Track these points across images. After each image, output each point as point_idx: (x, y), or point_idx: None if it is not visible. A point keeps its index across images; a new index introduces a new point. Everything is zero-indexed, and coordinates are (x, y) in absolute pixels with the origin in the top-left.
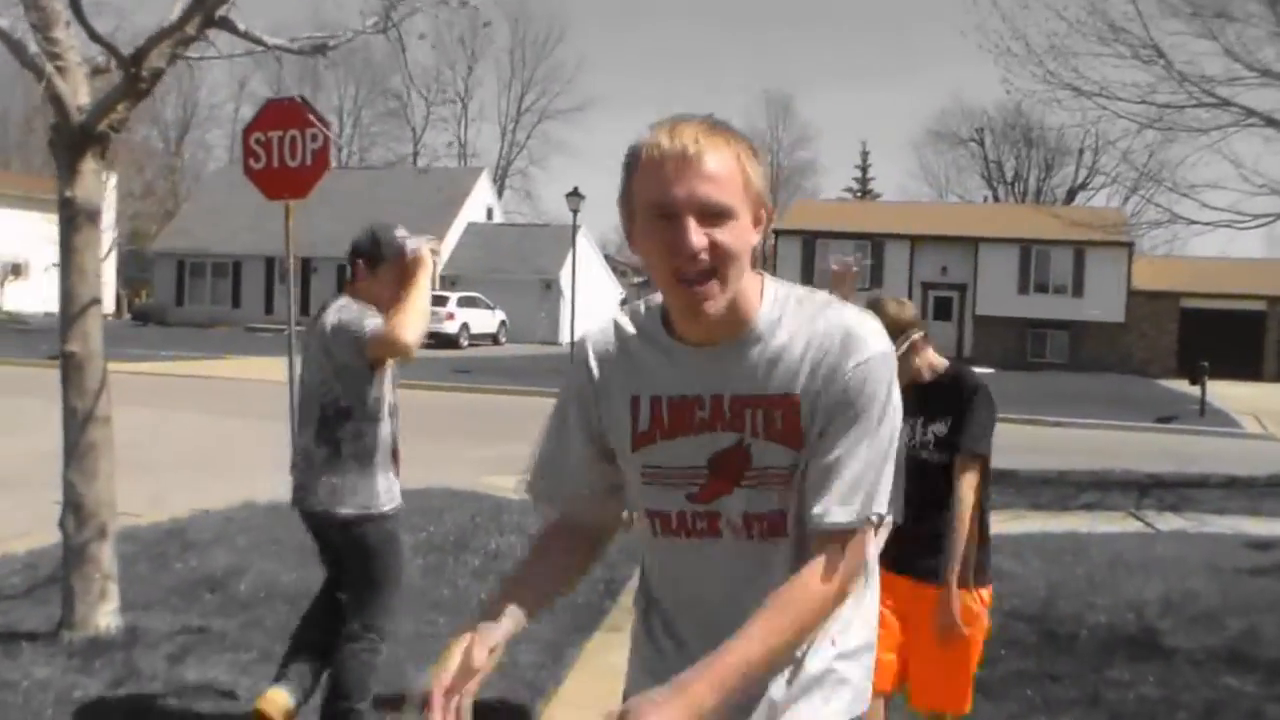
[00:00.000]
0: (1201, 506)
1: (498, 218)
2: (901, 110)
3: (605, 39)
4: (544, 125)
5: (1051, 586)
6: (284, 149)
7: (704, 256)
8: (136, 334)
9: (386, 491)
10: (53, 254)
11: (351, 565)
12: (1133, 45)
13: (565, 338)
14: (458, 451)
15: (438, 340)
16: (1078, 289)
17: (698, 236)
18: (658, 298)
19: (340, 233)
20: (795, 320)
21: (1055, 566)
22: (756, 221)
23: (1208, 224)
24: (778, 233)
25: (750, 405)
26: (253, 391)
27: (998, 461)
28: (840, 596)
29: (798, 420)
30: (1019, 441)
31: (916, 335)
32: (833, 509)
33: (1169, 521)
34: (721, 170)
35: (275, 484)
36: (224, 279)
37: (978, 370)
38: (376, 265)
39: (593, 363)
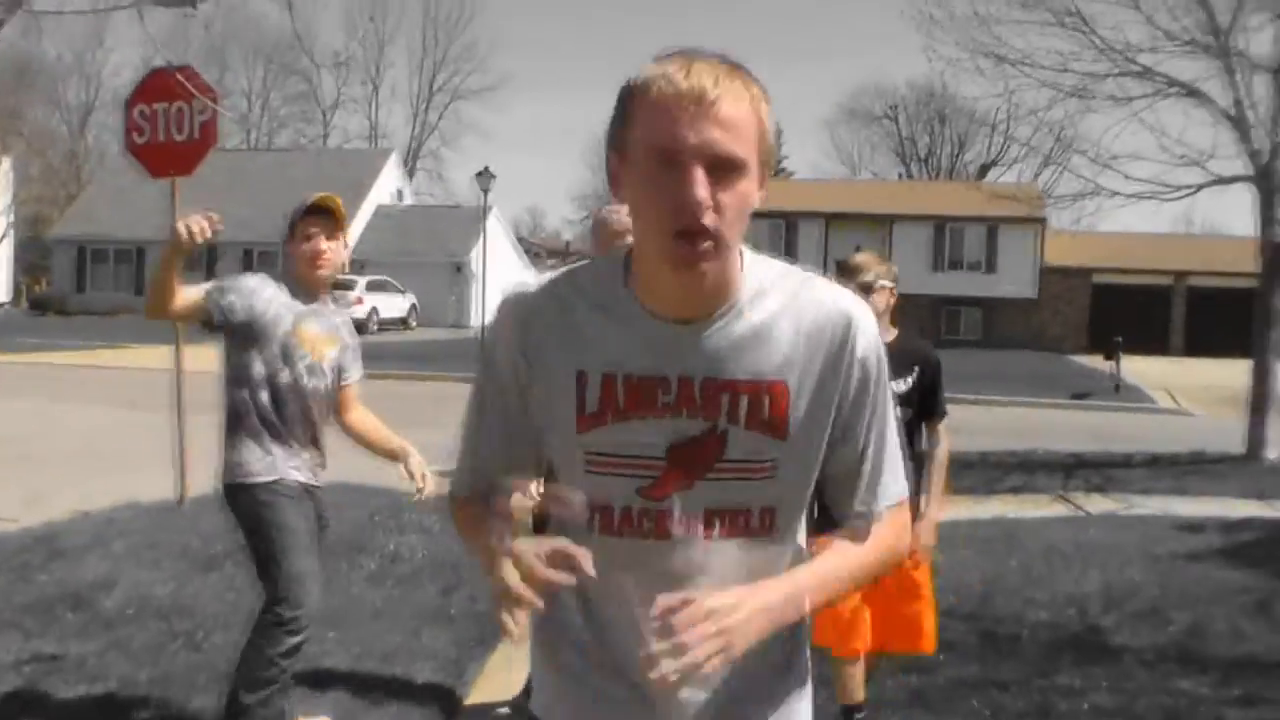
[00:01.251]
0: (1128, 487)
1: (408, 200)
2: (813, 89)
3: (519, 17)
4: (456, 105)
5: (987, 581)
6: (169, 122)
7: (709, 213)
8: (34, 323)
9: (259, 461)
10: None
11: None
12: (1056, 11)
13: (475, 321)
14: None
15: None
16: (990, 266)
17: (704, 189)
18: (603, 264)
19: (247, 217)
20: (780, 296)
21: (988, 558)
22: (761, 181)
23: (1131, 195)
24: None
25: (728, 390)
26: (154, 382)
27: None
28: (893, 564)
29: (785, 408)
30: None
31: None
32: (880, 496)
33: (1097, 504)
34: (739, 117)
35: (165, 480)
36: (127, 265)
37: None
38: (291, 232)
39: (519, 329)
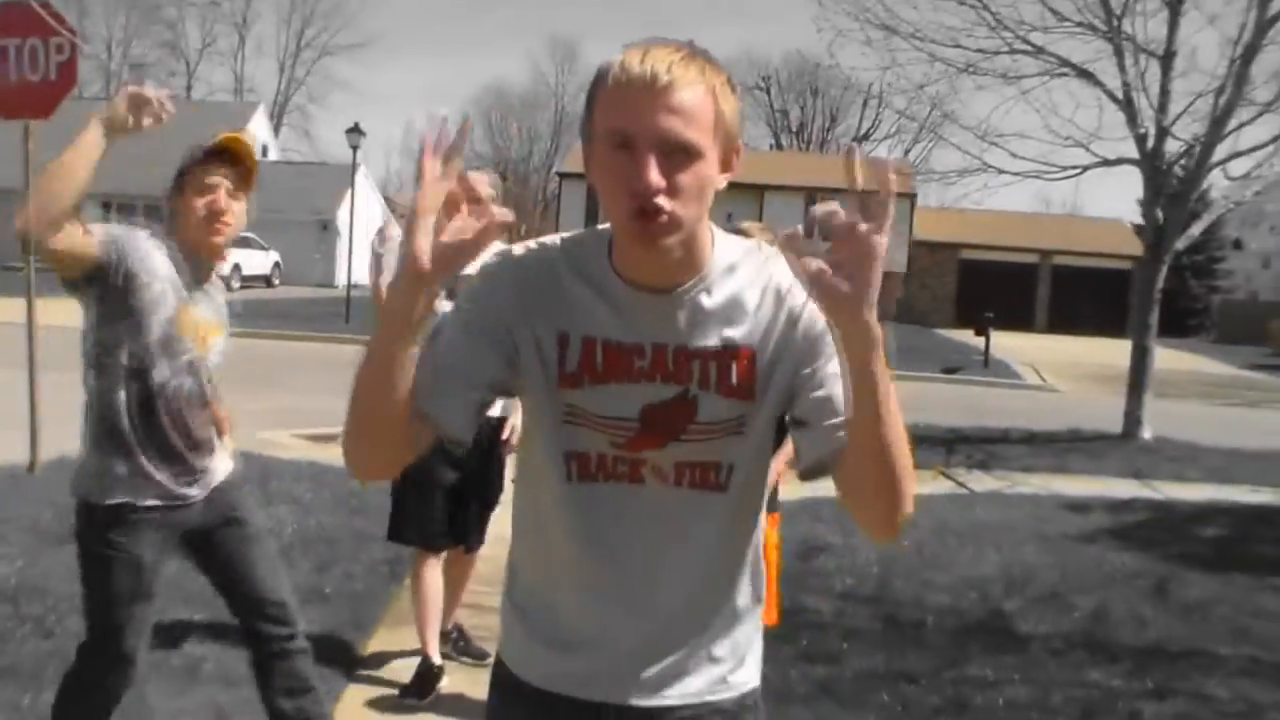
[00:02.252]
0: (1009, 464)
1: (273, 155)
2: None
3: None
4: (325, 61)
5: (883, 562)
6: (23, 60)
7: (661, 196)
8: None
9: (104, 475)
10: None
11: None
12: None
13: (342, 280)
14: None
15: None
16: None
17: (655, 174)
18: (591, 234)
19: (109, 167)
20: (747, 270)
21: None
22: (725, 164)
23: (1017, 174)
24: (561, 176)
25: (699, 357)
26: (3, 336)
27: None
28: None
29: (753, 373)
30: None
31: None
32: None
33: (981, 481)
34: (691, 104)
35: (15, 445)
36: None
37: None
38: (180, 184)
39: (514, 285)
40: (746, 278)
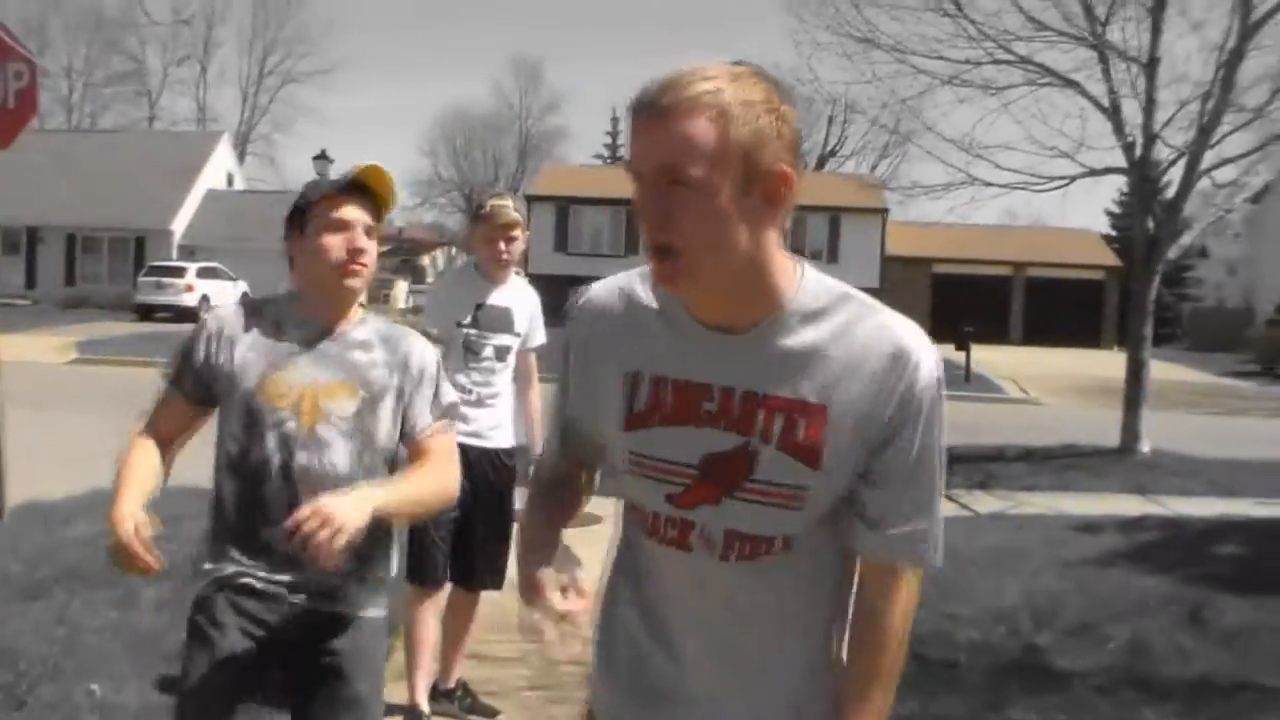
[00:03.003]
0: (1010, 483)
1: (239, 184)
2: (646, 73)
3: (350, 2)
4: (289, 89)
5: None
6: None
7: (665, 233)
8: None
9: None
10: None
11: None
12: None
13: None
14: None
15: (175, 313)
16: (833, 254)
17: (653, 204)
18: None
19: (73, 200)
20: (836, 319)
21: None
22: (749, 188)
23: (1004, 186)
24: (530, 199)
25: (766, 406)
26: None
27: None
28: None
29: (822, 435)
30: None
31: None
32: (922, 548)
33: (983, 502)
34: (690, 131)
35: None
36: None
37: None
38: (303, 222)
39: (592, 322)
40: (834, 327)
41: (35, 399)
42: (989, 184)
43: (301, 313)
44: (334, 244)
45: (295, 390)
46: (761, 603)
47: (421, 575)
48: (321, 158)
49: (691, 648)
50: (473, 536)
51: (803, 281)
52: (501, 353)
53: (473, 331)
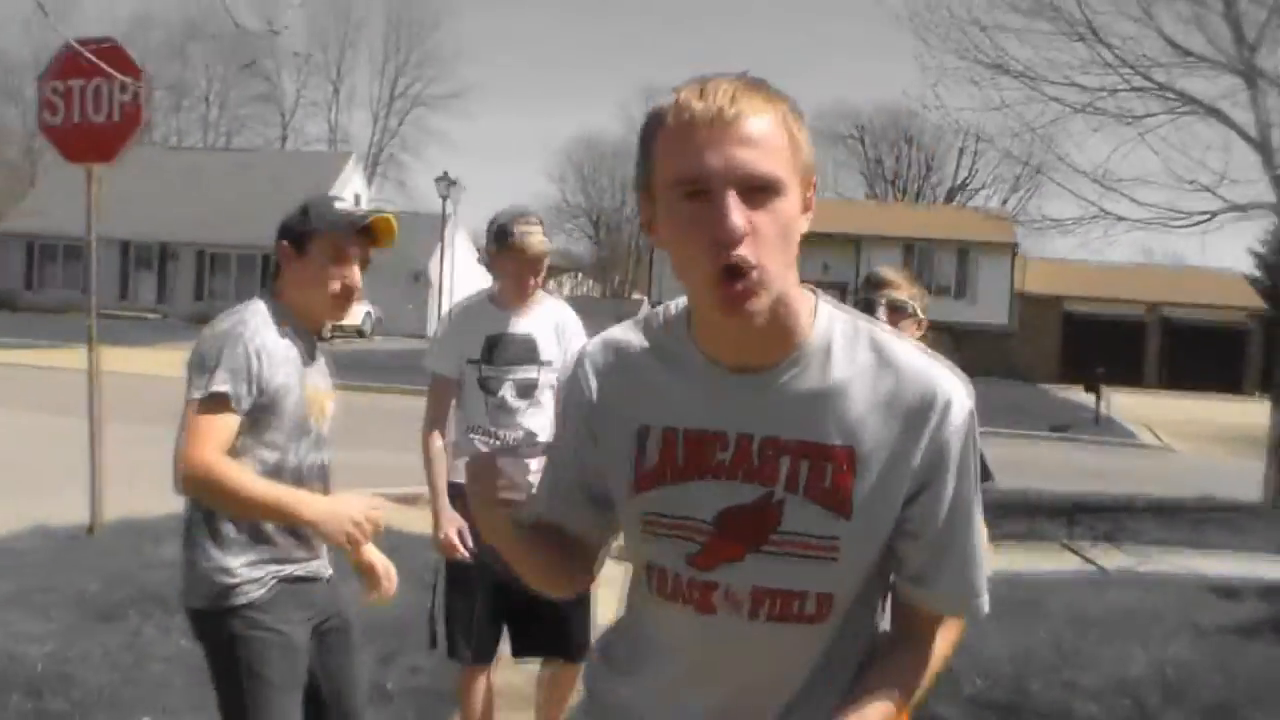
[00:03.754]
0: (1139, 537)
1: (365, 205)
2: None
3: (485, 25)
4: (418, 112)
5: (1015, 658)
6: (85, 101)
7: (746, 245)
8: None
9: (241, 570)
10: None
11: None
12: (1065, 20)
13: (433, 330)
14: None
15: None
16: (961, 290)
17: (739, 217)
18: (675, 306)
19: (203, 217)
20: (858, 354)
21: (1011, 626)
22: (805, 203)
23: (1138, 221)
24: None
25: (789, 453)
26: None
27: None
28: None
29: (850, 480)
30: None
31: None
32: (962, 602)
33: (1111, 557)
34: (765, 133)
35: (84, 501)
36: (76, 261)
37: None
38: (305, 243)
39: (593, 384)
40: (856, 364)
41: (153, 414)
42: (1122, 218)
43: (303, 324)
44: (335, 277)
45: (317, 397)
46: (788, 666)
47: (467, 650)
48: (444, 179)
49: (701, 707)
50: (536, 602)
51: (820, 314)
52: (525, 389)
53: (485, 368)
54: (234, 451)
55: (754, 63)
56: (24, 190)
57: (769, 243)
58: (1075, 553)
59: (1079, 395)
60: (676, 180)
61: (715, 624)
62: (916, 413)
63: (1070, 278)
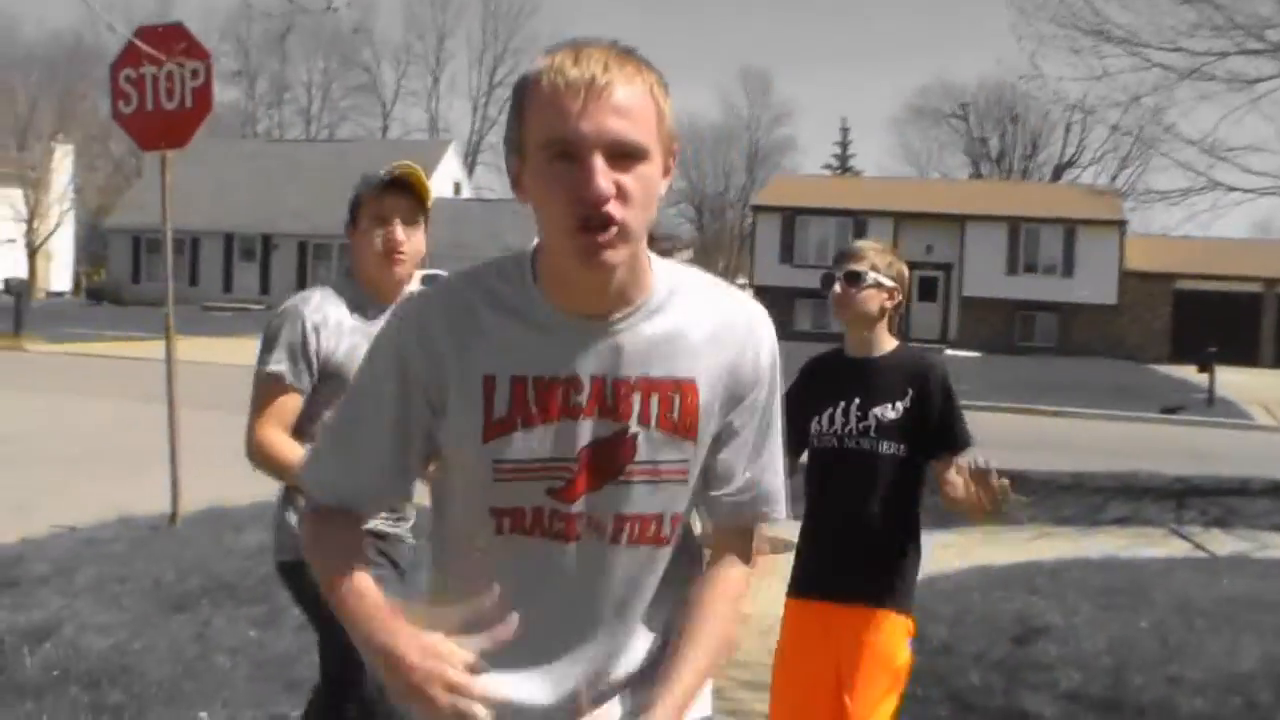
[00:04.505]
0: (1253, 521)
1: (465, 193)
2: (881, 88)
3: (581, 11)
4: None
5: (1115, 650)
6: (158, 88)
7: (612, 204)
8: (86, 313)
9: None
10: None
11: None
12: None
13: None
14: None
15: None
16: (1068, 269)
17: (604, 180)
18: (508, 261)
19: (305, 207)
20: (693, 298)
21: (1111, 616)
22: (665, 169)
23: (1250, 191)
24: (756, 209)
25: (640, 390)
26: (197, 375)
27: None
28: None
29: (696, 409)
30: (1017, 434)
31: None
32: (773, 504)
33: (1221, 542)
34: (635, 103)
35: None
36: (180, 255)
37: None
38: (356, 215)
39: (419, 336)
40: (692, 306)
41: (216, 399)
42: (1234, 189)
43: (374, 296)
44: (376, 236)
45: None
46: (641, 587)
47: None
48: None
49: (549, 633)
50: None
51: (656, 267)
52: None
53: None
54: (310, 422)
55: (853, 43)
56: (128, 184)
57: (633, 203)
58: (1184, 538)
59: (1189, 375)
60: (548, 141)
61: (577, 550)
62: (743, 340)
63: (1180, 254)
